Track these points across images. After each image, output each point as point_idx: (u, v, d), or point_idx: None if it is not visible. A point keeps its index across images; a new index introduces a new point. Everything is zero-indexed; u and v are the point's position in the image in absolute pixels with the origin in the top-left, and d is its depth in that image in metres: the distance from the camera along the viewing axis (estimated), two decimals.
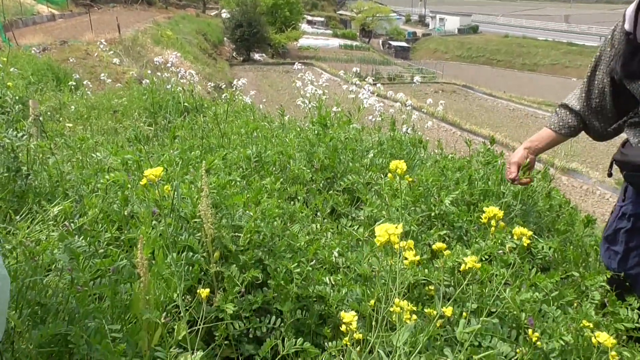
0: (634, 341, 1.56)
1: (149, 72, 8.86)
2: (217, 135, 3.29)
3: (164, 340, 1.31)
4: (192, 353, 1.28)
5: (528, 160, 1.90)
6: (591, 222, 2.25)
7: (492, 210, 1.19)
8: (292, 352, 1.37)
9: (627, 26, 1.61)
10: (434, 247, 1.23)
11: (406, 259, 1.08)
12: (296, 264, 1.60)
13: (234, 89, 5.75)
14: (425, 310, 1.28)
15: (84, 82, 7.45)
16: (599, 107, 1.81)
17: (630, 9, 1.59)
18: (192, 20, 37.80)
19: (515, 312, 1.44)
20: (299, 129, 3.40)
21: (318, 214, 2.11)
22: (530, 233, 1.20)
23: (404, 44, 53.49)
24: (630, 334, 1.56)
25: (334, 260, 1.71)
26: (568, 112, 1.90)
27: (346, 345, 1.17)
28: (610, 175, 1.83)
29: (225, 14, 39.65)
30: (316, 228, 1.95)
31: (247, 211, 1.76)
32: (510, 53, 48.86)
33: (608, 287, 1.72)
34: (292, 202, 2.18)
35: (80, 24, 23.57)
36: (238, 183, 2.07)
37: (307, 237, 1.81)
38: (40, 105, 5.00)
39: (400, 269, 1.10)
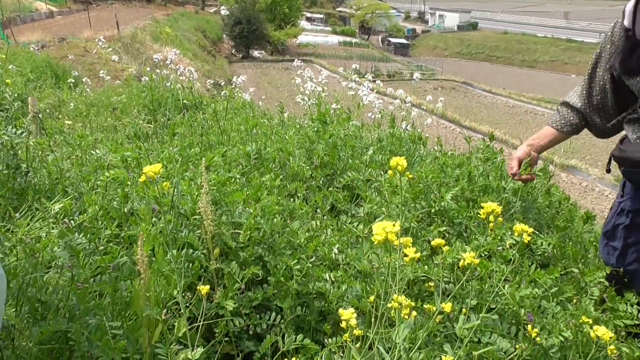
0: (632, 337, 1.56)
1: (148, 69, 8.86)
2: (216, 132, 3.29)
3: (164, 336, 1.31)
4: (192, 350, 1.28)
5: (530, 156, 1.90)
6: (590, 219, 2.25)
7: (490, 206, 1.19)
8: (292, 348, 1.37)
9: (626, 22, 1.61)
10: (433, 243, 1.23)
11: (406, 255, 1.08)
12: (296, 260, 1.60)
13: (233, 86, 5.75)
14: (425, 306, 1.29)
15: (83, 80, 7.43)
16: (600, 104, 1.81)
17: (629, 5, 1.59)
18: (191, 17, 37.73)
19: (514, 308, 1.44)
20: (298, 126, 3.40)
21: (318, 210, 2.12)
22: (531, 230, 1.20)
23: (403, 40, 53.41)
24: (629, 330, 1.57)
25: (333, 257, 1.71)
26: (569, 110, 1.90)
27: (346, 341, 1.18)
28: (608, 171, 1.83)
29: (224, 11, 39.56)
30: (316, 225, 1.95)
31: (247, 208, 1.76)
32: (509, 50, 48.83)
33: (607, 283, 1.72)
34: (291, 199, 2.18)
35: (79, 21, 23.53)
36: (238, 180, 2.07)
37: (307, 233, 1.81)
38: (39, 103, 4.99)
39: (400, 265, 1.10)
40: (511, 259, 1.54)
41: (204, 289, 1.31)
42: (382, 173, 2.29)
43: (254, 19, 35.78)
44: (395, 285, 1.10)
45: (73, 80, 7.21)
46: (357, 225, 1.89)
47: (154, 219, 1.65)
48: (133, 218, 1.73)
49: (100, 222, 1.77)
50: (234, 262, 1.57)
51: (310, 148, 2.60)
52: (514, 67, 45.35)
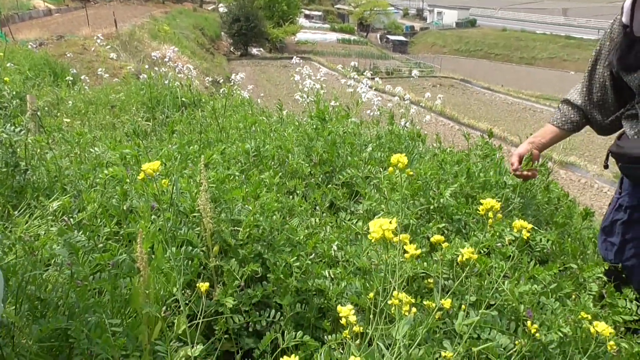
0: (631, 332, 1.57)
1: (147, 67, 8.85)
2: (215, 129, 3.28)
3: (164, 334, 1.31)
4: (192, 347, 1.28)
5: (530, 153, 1.90)
6: (589, 215, 2.26)
7: (489, 203, 1.19)
8: (291, 345, 1.38)
9: (624, 19, 1.61)
10: (432, 239, 1.23)
11: (406, 252, 1.08)
12: (295, 257, 1.60)
13: (232, 83, 5.74)
14: (424, 303, 1.29)
15: (82, 77, 7.43)
16: (601, 101, 1.81)
17: (628, 2, 1.60)
18: (189, 15, 37.67)
19: (514, 305, 1.45)
20: (297, 123, 3.40)
21: (317, 207, 2.12)
22: (530, 226, 1.20)
23: (401, 37, 53.30)
24: (628, 326, 1.57)
25: (333, 254, 1.71)
26: (570, 108, 1.90)
27: (346, 338, 1.18)
28: (606, 167, 1.84)
29: (222, 9, 39.51)
30: (315, 222, 1.95)
31: (246, 205, 1.76)
32: (508, 47, 48.77)
33: (605, 279, 1.73)
34: (291, 196, 2.18)
35: (77, 18, 23.50)
36: (237, 177, 2.07)
37: (306, 231, 1.81)
38: (38, 101, 4.98)
39: (399, 262, 1.10)
40: (510, 255, 1.55)
41: (203, 286, 1.31)
42: (381, 170, 2.29)
43: (252, 17, 35.70)
44: (394, 282, 1.10)
45: (71, 78, 7.20)
46: (356, 222, 1.89)
47: (153, 217, 1.65)
48: (132, 215, 1.73)
49: (99, 220, 1.77)
50: (234, 259, 1.58)
51: (309, 145, 2.60)
52: (513, 64, 45.28)
